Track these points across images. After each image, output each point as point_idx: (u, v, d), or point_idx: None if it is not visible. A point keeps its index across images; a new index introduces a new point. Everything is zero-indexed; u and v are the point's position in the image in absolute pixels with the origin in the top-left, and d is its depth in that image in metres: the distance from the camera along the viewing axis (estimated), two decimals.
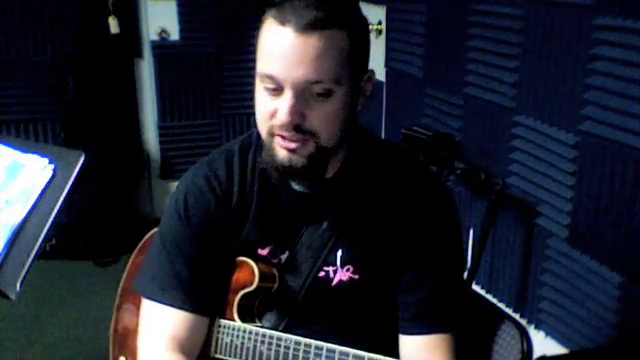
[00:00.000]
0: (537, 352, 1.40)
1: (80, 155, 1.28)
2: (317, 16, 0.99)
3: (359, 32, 1.08)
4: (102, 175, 3.10)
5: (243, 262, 1.18)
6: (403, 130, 2.29)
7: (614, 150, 1.61)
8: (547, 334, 1.92)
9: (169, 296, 1.17)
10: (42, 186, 1.28)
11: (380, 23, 2.64)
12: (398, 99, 2.63)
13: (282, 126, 1.03)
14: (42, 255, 1.24)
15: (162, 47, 3.22)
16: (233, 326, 1.18)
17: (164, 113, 3.33)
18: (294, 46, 0.99)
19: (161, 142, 3.37)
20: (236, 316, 1.18)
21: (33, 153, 1.33)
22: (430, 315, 1.14)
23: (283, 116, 1.02)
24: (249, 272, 1.17)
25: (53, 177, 1.28)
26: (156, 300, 1.18)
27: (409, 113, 2.50)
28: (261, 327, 1.16)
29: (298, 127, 1.03)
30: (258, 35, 1.06)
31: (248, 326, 1.16)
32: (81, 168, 1.26)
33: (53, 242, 1.36)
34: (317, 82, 1.01)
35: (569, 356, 1.80)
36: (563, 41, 1.73)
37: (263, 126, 1.08)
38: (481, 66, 2.08)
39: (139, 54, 3.28)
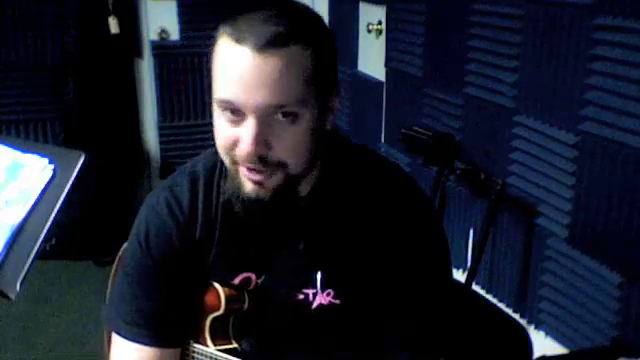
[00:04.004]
0: (537, 352, 1.40)
1: (80, 155, 1.27)
2: (276, 32, 0.90)
3: (324, 48, 0.96)
4: (102, 175, 3.10)
5: (209, 284, 1.13)
6: (403, 130, 2.29)
7: (614, 150, 1.61)
8: (547, 334, 1.92)
9: (134, 332, 1.12)
10: (42, 186, 1.28)
11: (380, 23, 2.64)
12: (398, 99, 2.63)
13: (245, 157, 0.94)
14: (42, 255, 1.24)
15: (162, 47, 3.22)
16: (205, 352, 1.15)
17: (164, 113, 3.33)
18: (253, 67, 0.90)
19: (161, 142, 3.37)
20: (208, 340, 1.15)
21: (33, 153, 1.33)
22: (418, 344, 1.10)
23: (246, 147, 0.93)
24: (215, 296, 1.12)
25: (53, 177, 1.28)
26: (122, 335, 1.13)
27: (409, 113, 2.50)
28: (235, 350, 1.14)
29: (263, 158, 0.95)
30: (212, 55, 0.98)
31: (220, 353, 1.13)
32: (81, 168, 1.26)
33: (53, 242, 1.36)
34: (281, 107, 0.92)
35: (569, 356, 1.80)
36: (563, 41, 1.73)
37: (225, 156, 1.00)
38: (481, 66, 2.08)
39: (139, 54, 3.28)
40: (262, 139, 0.93)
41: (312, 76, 0.94)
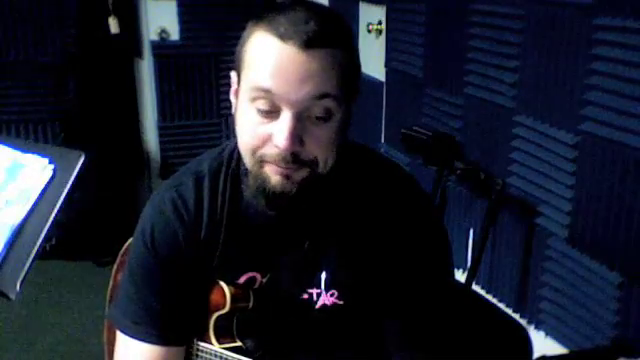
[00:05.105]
0: (537, 352, 1.40)
1: (80, 155, 1.27)
2: (320, 32, 0.92)
3: (353, 53, 1.01)
4: (102, 175, 3.10)
5: (215, 283, 1.13)
6: (403, 130, 2.29)
7: (614, 150, 1.61)
8: (547, 334, 1.92)
9: (141, 331, 1.12)
10: (42, 186, 1.28)
11: (380, 23, 2.64)
12: (398, 99, 2.63)
13: (279, 154, 0.94)
14: (42, 255, 1.24)
15: (162, 47, 3.22)
16: (210, 350, 1.16)
17: (164, 113, 3.33)
18: (297, 63, 0.91)
19: (161, 142, 3.37)
20: (213, 338, 1.16)
21: (33, 153, 1.33)
22: (419, 344, 1.10)
23: (281, 142, 0.93)
24: (221, 294, 1.12)
25: (53, 177, 1.28)
26: (128, 334, 1.14)
27: (409, 113, 2.50)
28: (239, 349, 1.14)
29: (296, 156, 0.95)
30: (244, 49, 0.97)
31: (224, 351, 1.14)
32: (81, 168, 1.26)
33: (53, 242, 1.36)
34: (322, 97, 0.93)
35: (569, 356, 1.80)
36: (563, 41, 1.73)
37: (251, 155, 0.99)
38: (481, 66, 2.08)
39: (139, 54, 3.28)
40: (297, 135, 0.94)
41: (346, 77, 0.96)
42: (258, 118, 0.95)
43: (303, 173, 0.98)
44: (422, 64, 2.42)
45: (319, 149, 0.97)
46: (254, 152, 0.98)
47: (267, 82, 0.93)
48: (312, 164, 0.97)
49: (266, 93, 0.93)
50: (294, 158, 0.95)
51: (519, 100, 1.93)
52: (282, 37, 0.92)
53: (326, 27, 0.94)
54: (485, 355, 1.25)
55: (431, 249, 1.11)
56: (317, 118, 0.95)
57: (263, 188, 0.99)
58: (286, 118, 0.93)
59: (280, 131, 0.93)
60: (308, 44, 0.91)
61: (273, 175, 0.97)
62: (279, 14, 0.94)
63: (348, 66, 0.97)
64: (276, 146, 0.94)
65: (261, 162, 0.98)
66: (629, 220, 1.59)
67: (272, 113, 0.94)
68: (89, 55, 3.16)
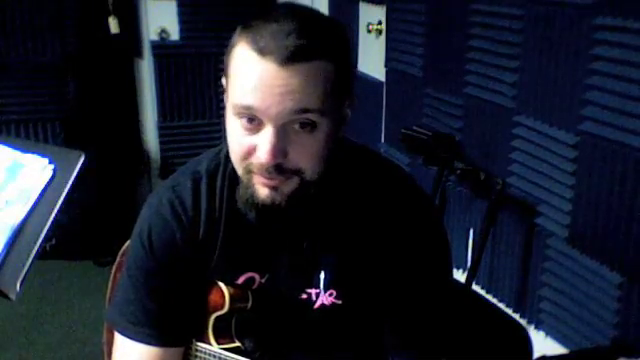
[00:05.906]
0: (537, 352, 1.40)
1: (80, 155, 1.27)
2: (301, 47, 0.90)
3: (343, 60, 0.98)
4: (102, 175, 3.10)
5: (213, 283, 1.14)
6: (403, 130, 2.29)
7: (614, 150, 1.61)
8: (547, 334, 1.92)
9: (138, 331, 1.12)
10: (42, 186, 1.28)
11: (380, 23, 2.64)
12: (398, 99, 2.63)
13: (262, 166, 0.95)
14: (42, 255, 1.24)
15: (162, 47, 3.23)
16: (208, 350, 1.16)
17: (164, 113, 3.33)
18: (277, 79, 0.91)
19: (161, 142, 3.38)
20: (212, 339, 1.16)
21: (33, 153, 1.33)
22: (419, 344, 1.10)
23: (263, 155, 0.94)
24: (219, 295, 1.12)
25: (53, 177, 1.28)
26: (126, 335, 1.14)
27: (409, 113, 2.50)
28: (238, 349, 1.14)
29: (279, 167, 0.95)
30: (229, 58, 0.97)
31: (223, 351, 1.14)
32: (81, 168, 1.26)
33: (53, 242, 1.36)
34: (303, 111, 0.93)
35: (569, 356, 1.80)
36: (563, 41, 1.73)
37: (239, 164, 1.00)
38: (481, 66, 2.08)
39: (139, 54, 3.28)
40: (279, 148, 0.94)
41: (333, 88, 0.95)
42: (242, 130, 0.96)
43: (292, 185, 0.98)
44: (422, 64, 2.42)
45: (304, 160, 0.97)
46: (241, 161, 0.99)
47: (248, 99, 0.93)
48: (298, 173, 0.97)
49: (247, 109, 0.93)
50: (278, 169, 0.96)
51: (519, 100, 1.93)
52: (262, 52, 0.91)
53: (309, 39, 0.92)
54: (485, 355, 1.25)
55: (431, 249, 1.11)
56: (301, 129, 0.95)
57: (252, 201, 1.00)
58: (268, 132, 0.93)
59: (262, 144, 0.94)
60: (288, 59, 0.90)
61: (261, 187, 0.98)
62: (264, 23, 0.93)
63: (336, 76, 0.95)
64: (259, 158, 0.95)
65: (249, 172, 0.99)
66: (629, 220, 1.59)
67: (255, 126, 0.95)
68: (89, 55, 3.16)
